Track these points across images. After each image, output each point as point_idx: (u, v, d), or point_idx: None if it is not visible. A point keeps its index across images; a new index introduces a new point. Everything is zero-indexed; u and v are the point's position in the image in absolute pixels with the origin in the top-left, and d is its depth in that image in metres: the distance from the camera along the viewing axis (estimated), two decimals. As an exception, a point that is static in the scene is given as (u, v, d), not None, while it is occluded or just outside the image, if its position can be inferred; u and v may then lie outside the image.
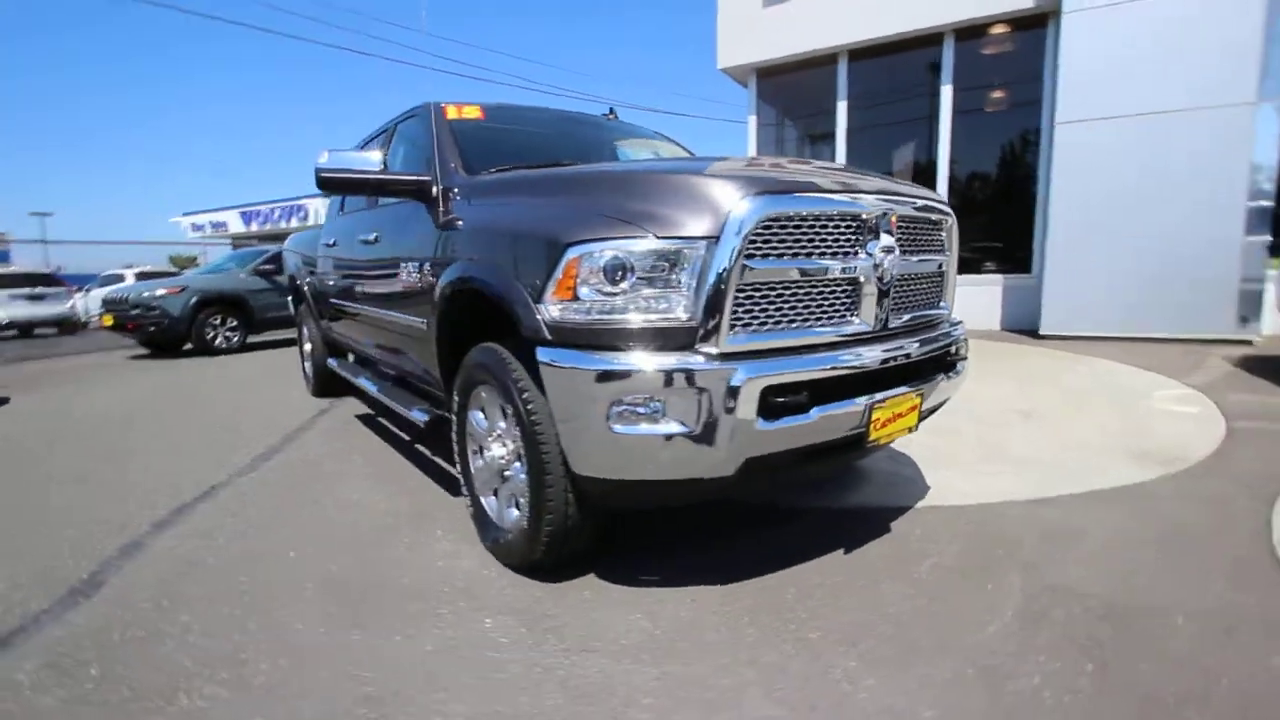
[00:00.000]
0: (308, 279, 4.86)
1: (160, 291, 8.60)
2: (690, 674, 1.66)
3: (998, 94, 7.99)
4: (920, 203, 2.15)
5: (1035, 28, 7.39)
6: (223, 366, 7.64)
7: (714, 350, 1.72)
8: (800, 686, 1.60)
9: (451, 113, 2.98)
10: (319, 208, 29.13)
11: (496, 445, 2.23)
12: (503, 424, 2.22)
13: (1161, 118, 6.16)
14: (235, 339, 9.07)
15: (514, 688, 1.63)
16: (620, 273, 1.73)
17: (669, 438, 1.71)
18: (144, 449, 3.96)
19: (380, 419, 4.48)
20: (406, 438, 3.98)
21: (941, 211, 2.28)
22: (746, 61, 8.86)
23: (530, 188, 2.22)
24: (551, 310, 1.81)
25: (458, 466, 2.51)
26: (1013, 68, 7.74)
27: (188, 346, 8.88)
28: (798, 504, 2.74)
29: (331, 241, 4.04)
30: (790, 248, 1.81)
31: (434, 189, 2.63)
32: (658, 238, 1.71)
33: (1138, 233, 6.35)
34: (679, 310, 1.72)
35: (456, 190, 2.47)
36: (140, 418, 4.88)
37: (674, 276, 1.71)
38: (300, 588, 2.16)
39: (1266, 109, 5.80)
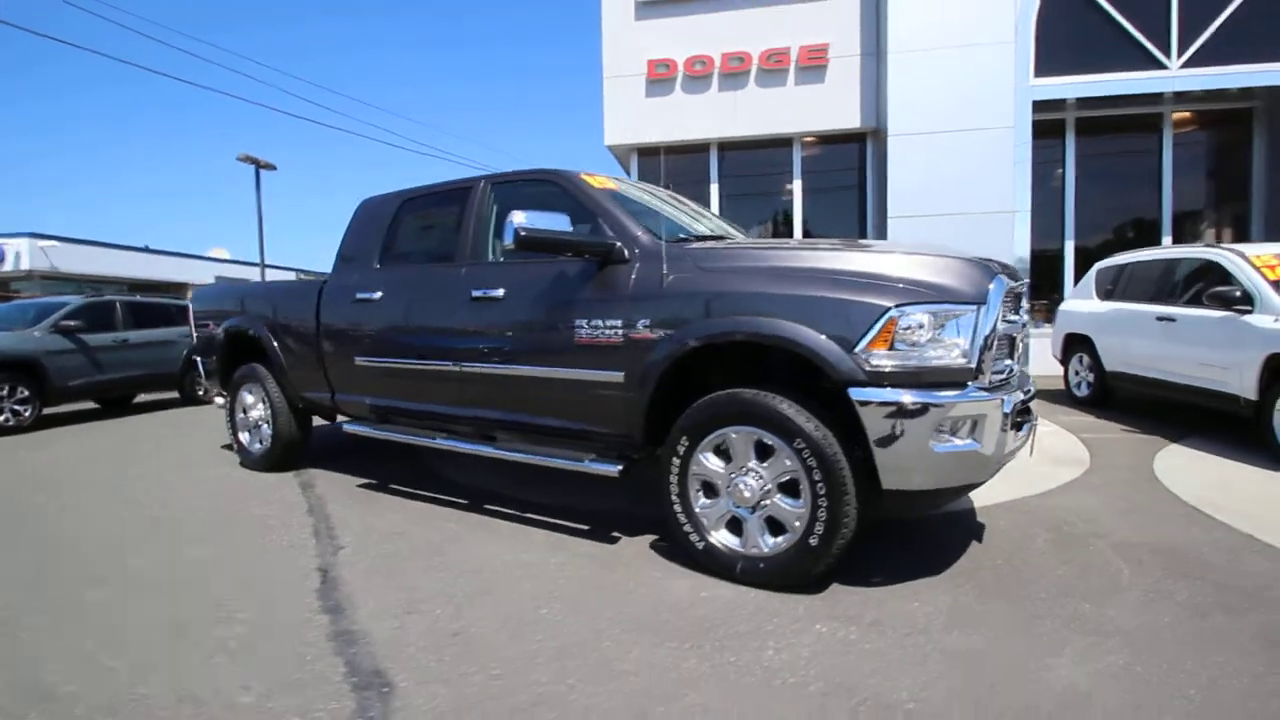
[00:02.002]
0: (285, 335, 4.36)
1: (-85, 356, 6.50)
2: (1005, 631, 2.17)
3: (836, 183, 10.00)
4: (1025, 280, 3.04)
5: (860, 141, 9.52)
6: (41, 450, 6.01)
7: (983, 384, 2.33)
8: (1080, 624, 2.21)
9: (594, 182, 3.22)
10: (21, 249, 24.17)
11: (750, 479, 2.53)
12: (754, 460, 2.54)
13: (959, 217, 8.40)
14: (27, 414, 7.12)
15: (906, 664, 1.98)
16: (923, 329, 2.27)
17: (968, 453, 2.26)
18: (113, 540, 3.21)
19: (393, 484, 4.14)
20: (464, 501, 3.81)
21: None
22: (630, 142, 9.81)
23: (811, 259, 2.58)
24: (868, 357, 2.26)
25: (676, 508, 2.70)
26: (846, 164, 9.79)
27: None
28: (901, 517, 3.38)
29: (375, 295, 3.79)
30: (1005, 311, 2.52)
31: (626, 252, 2.86)
32: (951, 303, 2.29)
33: (948, 300, 8.47)
34: (962, 355, 2.30)
35: (666, 254, 2.75)
36: (33, 517, 3.82)
37: (959, 330, 2.30)
38: (598, 643, 2.15)
39: (1019, 215, 8.31)
